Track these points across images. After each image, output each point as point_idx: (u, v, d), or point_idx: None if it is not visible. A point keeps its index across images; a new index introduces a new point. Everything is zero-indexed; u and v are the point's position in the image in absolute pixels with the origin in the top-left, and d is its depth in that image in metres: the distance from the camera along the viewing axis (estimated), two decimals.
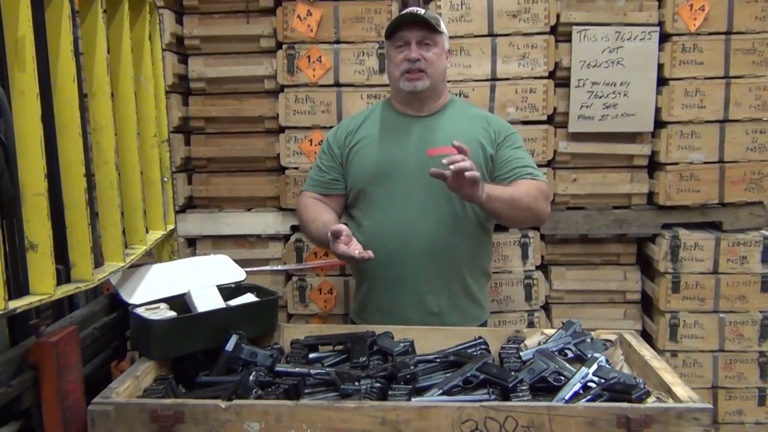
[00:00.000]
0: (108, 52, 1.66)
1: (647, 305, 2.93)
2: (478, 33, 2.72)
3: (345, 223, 2.17)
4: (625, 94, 2.70)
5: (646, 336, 2.78)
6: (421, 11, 2.09)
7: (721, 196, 2.75)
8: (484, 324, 2.25)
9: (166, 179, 2.04)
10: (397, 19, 2.12)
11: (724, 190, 2.74)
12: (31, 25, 1.29)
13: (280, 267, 2.80)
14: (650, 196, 2.81)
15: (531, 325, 2.78)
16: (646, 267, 2.92)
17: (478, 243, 2.18)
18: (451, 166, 1.77)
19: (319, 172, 2.24)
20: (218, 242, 2.84)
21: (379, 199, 2.13)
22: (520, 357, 1.73)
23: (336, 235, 1.91)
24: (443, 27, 2.14)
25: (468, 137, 2.12)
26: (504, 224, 2.47)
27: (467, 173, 1.78)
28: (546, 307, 2.89)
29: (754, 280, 2.74)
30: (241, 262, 2.06)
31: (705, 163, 2.73)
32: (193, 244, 2.87)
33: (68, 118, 1.44)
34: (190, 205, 2.92)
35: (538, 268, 2.83)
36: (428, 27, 2.08)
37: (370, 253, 1.92)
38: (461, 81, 2.72)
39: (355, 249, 1.94)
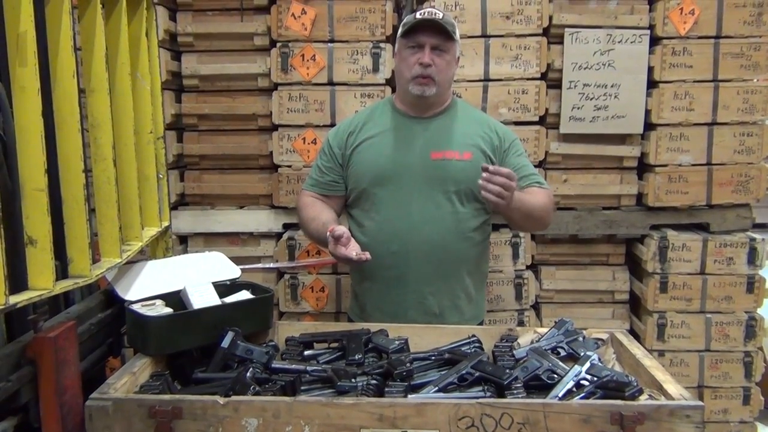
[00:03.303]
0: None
1: (635, 305, 2.97)
2: (472, 34, 2.73)
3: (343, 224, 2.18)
4: (615, 96, 2.73)
5: (634, 336, 2.76)
6: (440, 15, 2.06)
7: (708, 198, 2.78)
8: (481, 323, 2.26)
9: (161, 176, 2.03)
10: (416, 21, 2.07)
11: (712, 192, 2.78)
12: (33, 21, 1.28)
13: (273, 264, 2.80)
14: (639, 197, 2.84)
15: (521, 324, 2.80)
16: (635, 267, 2.95)
17: (477, 244, 2.20)
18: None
19: (319, 172, 2.24)
20: (210, 240, 2.84)
21: (382, 200, 2.13)
22: (513, 355, 1.74)
23: (336, 238, 1.92)
24: (458, 35, 2.13)
25: (470, 140, 2.15)
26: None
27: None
28: (536, 307, 2.91)
29: (740, 281, 2.78)
30: (233, 260, 2.06)
31: (693, 165, 2.76)
32: (185, 242, 2.86)
33: (68, 114, 1.44)
34: (182, 202, 2.91)
35: (528, 267, 2.86)
36: (444, 34, 2.06)
37: (367, 255, 1.94)
38: (454, 81, 2.71)
39: (353, 250, 1.95)
